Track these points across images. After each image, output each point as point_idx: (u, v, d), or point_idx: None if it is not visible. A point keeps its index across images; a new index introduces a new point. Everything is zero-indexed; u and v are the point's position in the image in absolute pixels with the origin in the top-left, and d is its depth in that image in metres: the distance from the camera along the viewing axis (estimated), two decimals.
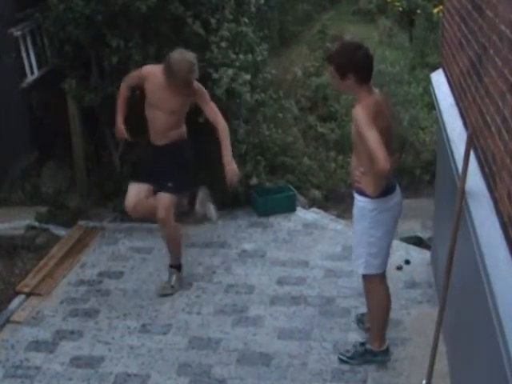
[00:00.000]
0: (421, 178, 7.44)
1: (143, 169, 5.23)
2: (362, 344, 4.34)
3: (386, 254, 4.13)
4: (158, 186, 5.00)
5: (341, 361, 4.32)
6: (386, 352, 4.31)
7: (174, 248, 5.24)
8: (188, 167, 5.18)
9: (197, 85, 4.86)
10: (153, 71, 4.93)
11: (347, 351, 4.35)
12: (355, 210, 4.06)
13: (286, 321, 4.78)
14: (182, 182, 5.12)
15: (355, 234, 4.16)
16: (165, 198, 4.95)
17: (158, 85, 4.85)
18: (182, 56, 4.69)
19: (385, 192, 3.88)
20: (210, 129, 5.15)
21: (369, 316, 4.40)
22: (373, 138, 3.59)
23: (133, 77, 5.11)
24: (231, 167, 4.84)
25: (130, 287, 5.27)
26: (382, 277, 4.18)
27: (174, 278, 5.21)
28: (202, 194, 6.31)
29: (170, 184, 4.95)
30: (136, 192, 5.03)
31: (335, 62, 3.77)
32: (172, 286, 5.19)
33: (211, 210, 6.28)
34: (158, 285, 5.25)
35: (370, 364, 4.27)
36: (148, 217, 5.28)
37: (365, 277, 4.19)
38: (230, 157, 4.85)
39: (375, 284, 4.17)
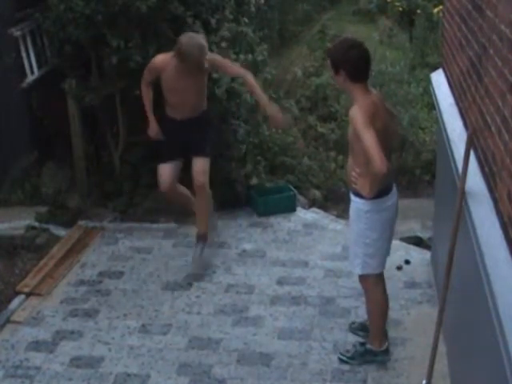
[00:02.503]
0: (421, 178, 7.43)
1: (169, 147, 5.31)
2: (362, 344, 4.34)
3: (383, 255, 4.13)
4: (195, 152, 5.19)
5: (341, 361, 4.32)
6: (386, 352, 4.31)
7: (206, 214, 5.42)
8: (214, 131, 5.44)
9: (208, 57, 4.96)
10: (166, 60, 5.06)
11: (347, 351, 4.35)
12: (351, 211, 4.08)
13: (285, 321, 4.79)
14: (213, 145, 5.36)
15: (351, 234, 4.16)
16: (204, 163, 5.19)
17: (174, 71, 5.00)
18: (192, 40, 4.85)
19: (381, 193, 3.88)
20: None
21: (368, 316, 4.38)
22: (370, 138, 3.59)
23: (149, 72, 5.18)
24: (271, 109, 4.97)
25: (130, 287, 5.27)
26: (379, 277, 4.18)
27: (204, 250, 5.38)
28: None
29: (207, 148, 5.21)
30: (168, 172, 5.24)
31: (330, 56, 3.89)
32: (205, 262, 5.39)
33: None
34: (191, 261, 5.36)
35: (370, 364, 4.27)
36: (179, 198, 5.51)
37: (362, 277, 4.20)
38: (266, 100, 4.99)
39: (372, 284, 4.18)
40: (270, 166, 6.89)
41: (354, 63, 3.76)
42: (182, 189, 5.45)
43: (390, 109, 4.21)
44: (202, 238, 5.38)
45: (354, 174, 3.85)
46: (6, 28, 6.34)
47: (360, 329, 4.56)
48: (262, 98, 5.00)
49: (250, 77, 5.08)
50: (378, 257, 4.09)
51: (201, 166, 5.18)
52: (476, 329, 3.36)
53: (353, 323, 4.64)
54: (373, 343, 4.30)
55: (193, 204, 5.50)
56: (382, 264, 4.16)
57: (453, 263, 3.60)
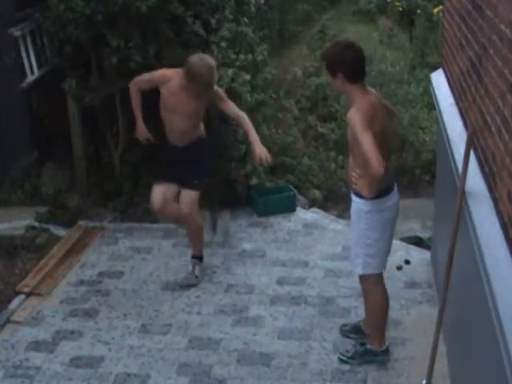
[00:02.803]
0: (421, 178, 7.44)
1: (165, 169, 5.26)
2: (362, 344, 4.34)
3: (384, 255, 4.13)
4: (182, 184, 5.12)
5: (341, 361, 4.32)
6: (386, 352, 4.31)
7: (198, 240, 5.39)
8: (209, 162, 5.30)
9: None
10: (167, 75, 4.94)
11: (347, 351, 4.35)
12: (352, 211, 4.08)
13: (285, 321, 4.79)
14: (205, 177, 5.28)
15: (352, 235, 4.16)
16: (190, 195, 5.11)
17: (174, 89, 4.87)
18: (203, 61, 4.73)
19: (381, 193, 3.89)
20: (208, 130, 5.18)
21: (367, 316, 4.38)
22: (367, 141, 3.59)
23: (143, 81, 5.06)
24: (260, 148, 4.87)
25: (130, 287, 5.27)
26: (379, 277, 4.18)
27: (197, 268, 5.33)
28: (224, 222, 6.16)
29: (195, 181, 5.11)
30: (161, 192, 5.13)
31: (325, 59, 3.87)
32: (196, 277, 5.30)
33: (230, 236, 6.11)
34: (181, 276, 5.32)
35: (370, 364, 4.27)
36: (174, 216, 5.43)
37: (362, 277, 4.20)
38: (257, 139, 4.91)
39: (373, 284, 4.18)
40: (270, 166, 6.88)
41: (350, 63, 3.76)
42: (178, 208, 5.23)
43: (390, 107, 4.20)
44: (195, 258, 5.39)
45: (354, 174, 3.85)
46: (6, 28, 6.34)
47: (352, 331, 4.55)
48: (255, 138, 4.90)
49: (246, 119, 4.97)
50: (379, 257, 4.09)
51: (187, 197, 5.09)
52: (476, 329, 3.36)
53: (344, 325, 4.62)
54: (373, 343, 4.30)
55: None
56: (383, 264, 4.16)
57: (453, 263, 3.60)
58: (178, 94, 4.86)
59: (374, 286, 4.18)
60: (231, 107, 5.04)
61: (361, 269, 4.13)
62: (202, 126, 5.19)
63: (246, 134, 5.11)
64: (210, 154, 5.32)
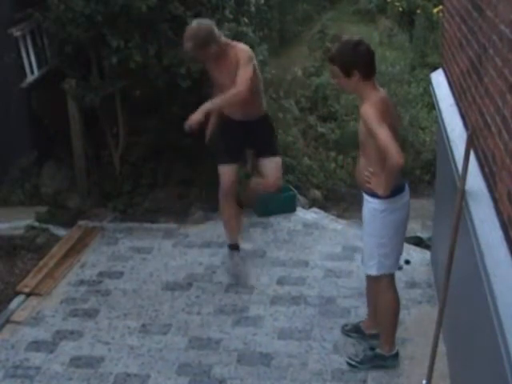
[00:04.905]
0: (421, 178, 7.44)
1: (232, 148, 5.22)
2: (372, 348, 4.30)
3: (397, 254, 4.09)
4: (265, 153, 5.22)
5: (350, 365, 4.27)
6: (396, 356, 4.26)
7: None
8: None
9: (235, 48, 4.87)
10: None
11: (356, 355, 4.31)
12: (365, 212, 4.01)
13: (285, 321, 4.78)
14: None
15: (365, 236, 4.10)
16: (277, 160, 5.24)
17: (207, 66, 5.02)
18: (189, 26, 4.83)
19: (395, 191, 3.86)
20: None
21: (378, 319, 4.31)
22: (384, 134, 3.57)
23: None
24: (196, 113, 4.78)
25: (130, 287, 5.27)
26: (392, 278, 4.13)
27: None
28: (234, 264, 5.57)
29: (275, 147, 5.30)
30: (231, 172, 5.18)
31: (338, 61, 3.75)
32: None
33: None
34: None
35: (379, 369, 4.23)
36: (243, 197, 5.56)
37: (377, 278, 4.13)
38: (208, 104, 4.83)
39: (386, 285, 4.11)
40: None
41: (365, 60, 3.73)
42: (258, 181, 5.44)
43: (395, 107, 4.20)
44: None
45: (366, 173, 3.83)
46: (5, 28, 6.35)
47: (354, 331, 4.53)
48: (205, 105, 4.83)
49: (232, 90, 4.78)
50: (393, 256, 4.04)
51: (274, 163, 5.25)
52: (476, 329, 3.36)
53: (345, 325, 4.60)
54: (383, 348, 4.25)
55: (235, 220, 5.46)
56: (396, 263, 4.12)
57: (453, 263, 3.60)
58: (208, 68, 5.01)
59: (386, 288, 4.12)
60: (239, 78, 4.77)
61: (375, 270, 4.05)
62: (263, 102, 5.18)
63: None
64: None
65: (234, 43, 4.96)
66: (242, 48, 4.89)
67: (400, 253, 4.15)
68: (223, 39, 4.90)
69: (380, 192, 3.79)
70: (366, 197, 3.98)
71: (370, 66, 3.77)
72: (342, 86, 3.92)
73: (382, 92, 3.86)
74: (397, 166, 3.58)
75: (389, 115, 3.73)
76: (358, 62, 3.70)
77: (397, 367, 4.25)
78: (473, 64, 3.76)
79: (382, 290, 4.14)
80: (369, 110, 3.67)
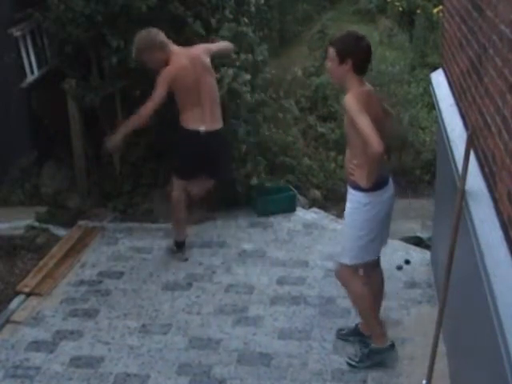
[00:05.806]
0: (421, 178, 7.44)
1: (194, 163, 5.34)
2: (366, 345, 4.32)
3: (377, 246, 4.12)
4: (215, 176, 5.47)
5: (350, 366, 4.27)
6: (392, 347, 4.27)
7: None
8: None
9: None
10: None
11: (355, 355, 4.32)
12: (348, 204, 4.06)
13: (285, 321, 4.78)
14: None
15: (345, 226, 4.15)
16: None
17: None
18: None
19: (378, 185, 3.91)
20: None
21: (358, 312, 4.37)
22: (364, 122, 3.64)
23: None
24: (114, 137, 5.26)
25: (130, 287, 5.27)
26: (352, 268, 4.16)
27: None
28: None
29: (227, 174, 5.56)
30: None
31: (338, 45, 3.85)
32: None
33: None
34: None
35: (378, 366, 4.23)
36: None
37: (338, 272, 4.21)
38: (123, 128, 5.26)
39: (349, 273, 4.16)
40: (270, 166, 6.89)
41: (362, 54, 3.82)
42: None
43: (386, 107, 4.24)
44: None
45: (351, 165, 3.88)
46: (5, 28, 6.35)
47: (350, 335, 4.53)
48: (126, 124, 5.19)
49: (137, 113, 5.08)
50: (371, 248, 4.09)
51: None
52: (476, 329, 3.36)
53: (341, 330, 4.59)
54: (375, 341, 4.27)
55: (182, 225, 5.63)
56: (373, 254, 4.16)
57: (453, 263, 3.60)
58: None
59: (350, 277, 4.18)
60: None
61: (349, 259, 4.10)
62: (186, 116, 5.19)
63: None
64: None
65: (175, 57, 5.03)
66: (168, 65, 5.01)
67: (382, 244, 4.17)
68: (175, 49, 5.07)
69: (363, 184, 3.85)
70: (349, 189, 4.04)
71: (365, 62, 3.86)
72: (331, 71, 3.97)
73: (368, 87, 3.94)
74: (376, 154, 3.62)
75: (372, 108, 3.79)
76: (355, 52, 3.79)
77: (396, 367, 4.26)
78: (473, 64, 3.76)
79: (347, 280, 4.20)
80: (350, 100, 3.75)
